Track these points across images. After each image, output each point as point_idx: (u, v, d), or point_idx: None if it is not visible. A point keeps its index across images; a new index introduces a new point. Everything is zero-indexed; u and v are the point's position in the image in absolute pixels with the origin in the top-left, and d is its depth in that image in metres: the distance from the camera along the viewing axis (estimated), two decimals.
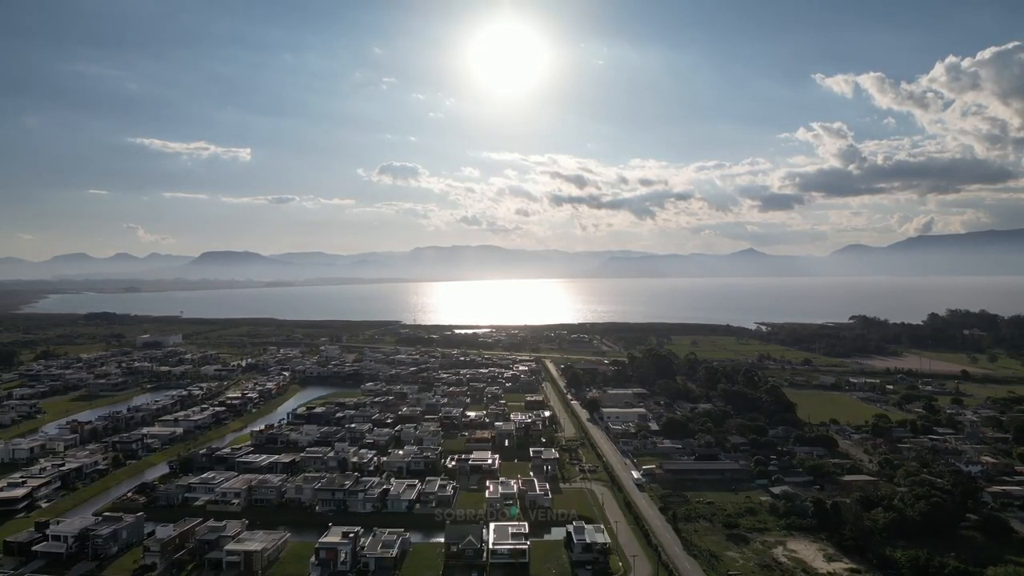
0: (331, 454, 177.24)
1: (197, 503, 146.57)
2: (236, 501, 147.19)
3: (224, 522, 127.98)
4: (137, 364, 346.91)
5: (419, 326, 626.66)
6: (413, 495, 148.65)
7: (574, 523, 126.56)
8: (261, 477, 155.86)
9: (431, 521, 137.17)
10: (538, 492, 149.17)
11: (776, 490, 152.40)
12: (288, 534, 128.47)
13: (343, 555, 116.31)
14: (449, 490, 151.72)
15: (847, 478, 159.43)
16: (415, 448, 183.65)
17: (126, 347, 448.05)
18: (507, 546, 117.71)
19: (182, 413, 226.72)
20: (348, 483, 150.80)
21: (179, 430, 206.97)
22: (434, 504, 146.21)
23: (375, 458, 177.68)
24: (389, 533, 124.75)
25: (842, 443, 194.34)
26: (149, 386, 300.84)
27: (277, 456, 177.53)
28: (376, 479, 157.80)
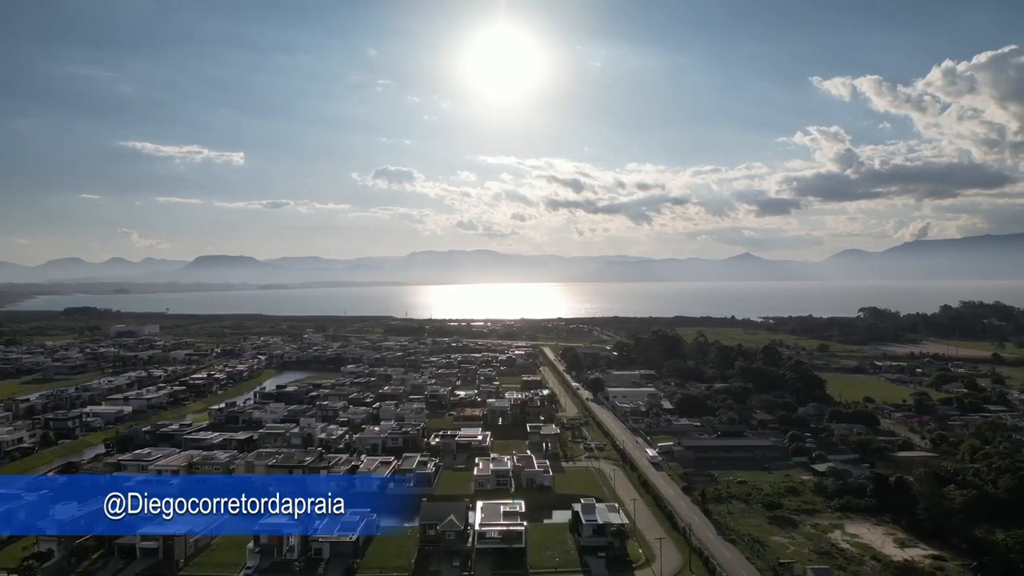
0: (295, 430, 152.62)
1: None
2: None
3: None
4: (102, 350, 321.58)
5: (410, 319, 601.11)
6: (386, 473, 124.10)
7: (582, 500, 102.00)
8: (205, 453, 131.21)
9: (407, 503, 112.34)
10: (537, 469, 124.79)
11: (821, 467, 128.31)
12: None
13: (291, 539, 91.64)
14: (430, 468, 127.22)
15: (901, 455, 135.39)
16: (393, 424, 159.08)
17: (98, 336, 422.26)
18: (498, 527, 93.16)
19: (134, 392, 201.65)
20: (309, 459, 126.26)
21: (127, 409, 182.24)
22: (412, 484, 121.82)
23: (347, 435, 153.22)
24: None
25: (883, 422, 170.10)
26: (111, 370, 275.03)
27: (232, 433, 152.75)
28: (344, 456, 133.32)
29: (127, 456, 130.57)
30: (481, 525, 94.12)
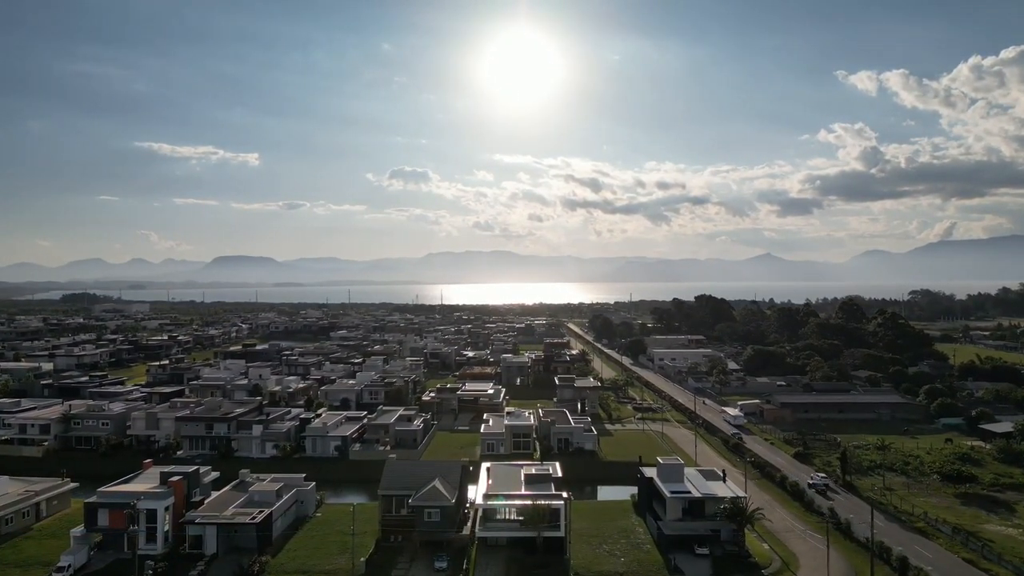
0: (242, 382, 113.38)
1: None
2: (44, 440, 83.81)
3: None
4: (68, 320, 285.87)
5: (421, 304, 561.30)
6: (351, 431, 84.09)
7: (660, 460, 60.72)
8: (91, 404, 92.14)
9: (376, 471, 72.14)
10: (573, 425, 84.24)
11: (999, 428, 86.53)
12: (71, 484, 64.16)
13: (151, 520, 51.76)
14: (416, 424, 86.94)
15: None
16: (373, 375, 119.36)
17: (80, 315, 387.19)
18: (517, 502, 52.59)
19: (62, 351, 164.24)
20: (240, 410, 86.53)
21: (47, 366, 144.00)
22: (388, 446, 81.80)
23: (310, 389, 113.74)
24: (272, 481, 60.36)
25: None
26: (69, 336, 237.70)
27: (156, 388, 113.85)
28: (297, 410, 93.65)
29: None
30: (487, 498, 53.64)
